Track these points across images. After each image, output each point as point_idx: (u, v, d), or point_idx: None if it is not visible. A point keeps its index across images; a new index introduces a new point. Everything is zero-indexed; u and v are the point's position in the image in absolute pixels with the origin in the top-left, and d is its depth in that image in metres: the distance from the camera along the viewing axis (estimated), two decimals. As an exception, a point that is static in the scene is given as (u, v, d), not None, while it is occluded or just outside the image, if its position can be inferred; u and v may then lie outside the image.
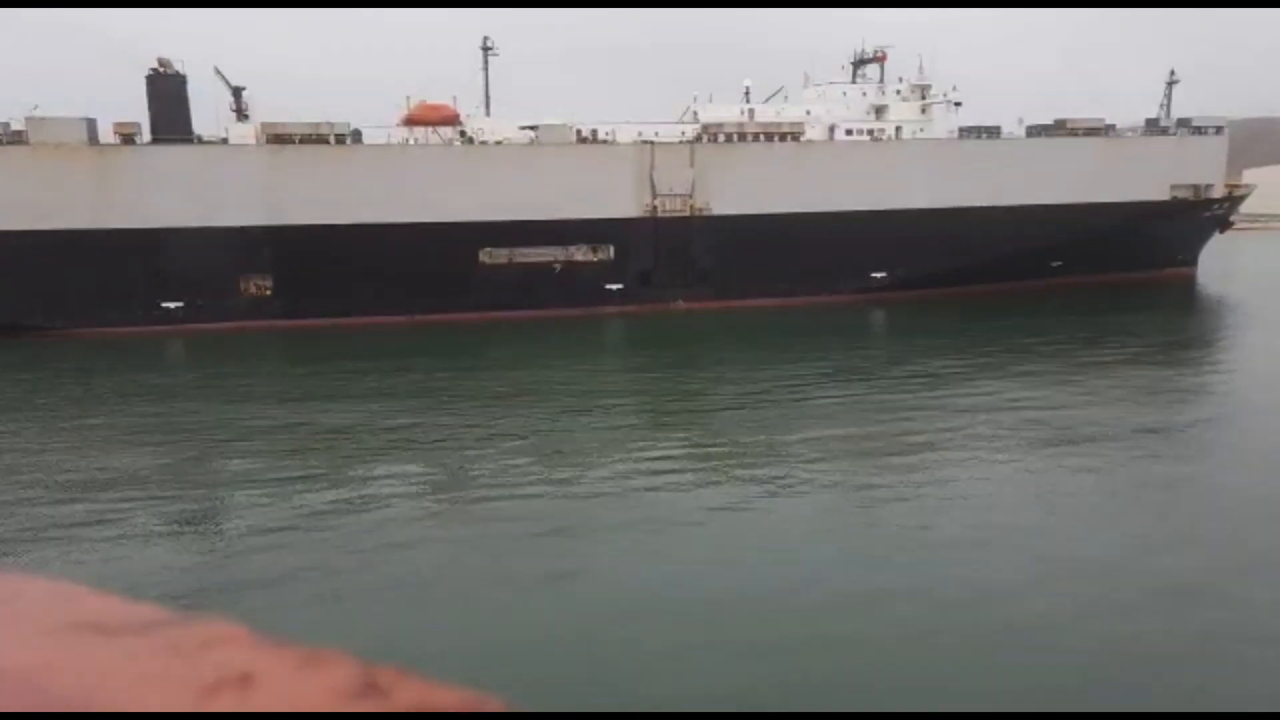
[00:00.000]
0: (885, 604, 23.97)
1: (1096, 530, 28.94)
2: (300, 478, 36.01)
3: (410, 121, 73.80)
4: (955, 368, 54.03)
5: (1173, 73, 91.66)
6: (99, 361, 58.96)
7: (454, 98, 75.63)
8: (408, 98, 74.78)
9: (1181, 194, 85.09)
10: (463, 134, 74.58)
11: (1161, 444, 38.50)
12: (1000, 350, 58.70)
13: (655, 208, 74.63)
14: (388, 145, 72.18)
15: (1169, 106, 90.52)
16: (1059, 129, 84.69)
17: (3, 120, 66.84)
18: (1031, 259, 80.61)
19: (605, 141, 75.91)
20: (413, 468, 37.86)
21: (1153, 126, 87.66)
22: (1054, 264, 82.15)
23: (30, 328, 64.20)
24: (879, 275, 78.06)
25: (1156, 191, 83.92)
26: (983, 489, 32.80)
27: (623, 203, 73.98)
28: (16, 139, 66.03)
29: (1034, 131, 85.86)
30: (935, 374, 52.44)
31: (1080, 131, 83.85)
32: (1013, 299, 76.57)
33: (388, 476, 36.40)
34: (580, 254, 74.15)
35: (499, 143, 74.27)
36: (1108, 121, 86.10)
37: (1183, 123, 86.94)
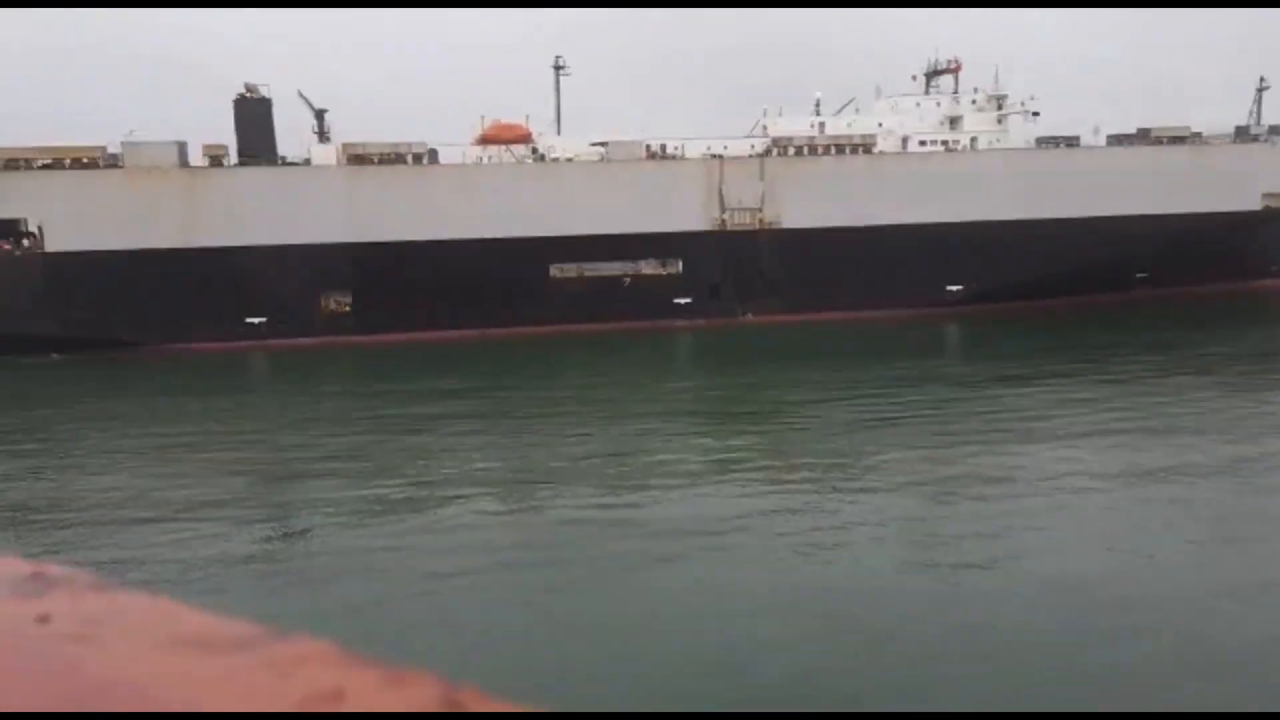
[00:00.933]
0: (957, 642, 23.35)
1: (1185, 573, 27.75)
2: (376, 493, 36.83)
3: (485, 140, 75.24)
4: (1035, 387, 52.51)
5: (1262, 79, 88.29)
6: (188, 377, 61.25)
7: (526, 116, 76.97)
8: (482, 117, 76.37)
9: (1275, 203, 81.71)
10: (535, 152, 75.71)
11: (1259, 477, 36.66)
12: (1083, 368, 56.77)
13: (724, 221, 74.64)
14: (463, 164, 73.65)
15: (1259, 113, 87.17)
16: (1142, 138, 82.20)
17: (100, 144, 70.03)
18: (1115, 271, 78.28)
19: (674, 156, 76.25)
20: (488, 487, 38.33)
21: (1243, 134, 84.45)
22: (1139, 276, 79.62)
23: (124, 343, 67.02)
24: (954, 288, 76.66)
25: (1248, 200, 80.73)
26: (1063, 523, 31.48)
27: (691, 217, 74.17)
28: (113, 163, 69.22)
29: (1115, 140, 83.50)
30: (1013, 393, 51.08)
31: (1165, 140, 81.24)
32: (1095, 312, 74.39)
33: (465, 495, 36.92)
34: (649, 268, 74.52)
35: (570, 160, 75.17)
36: (1194, 129, 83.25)
37: (1275, 130, 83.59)
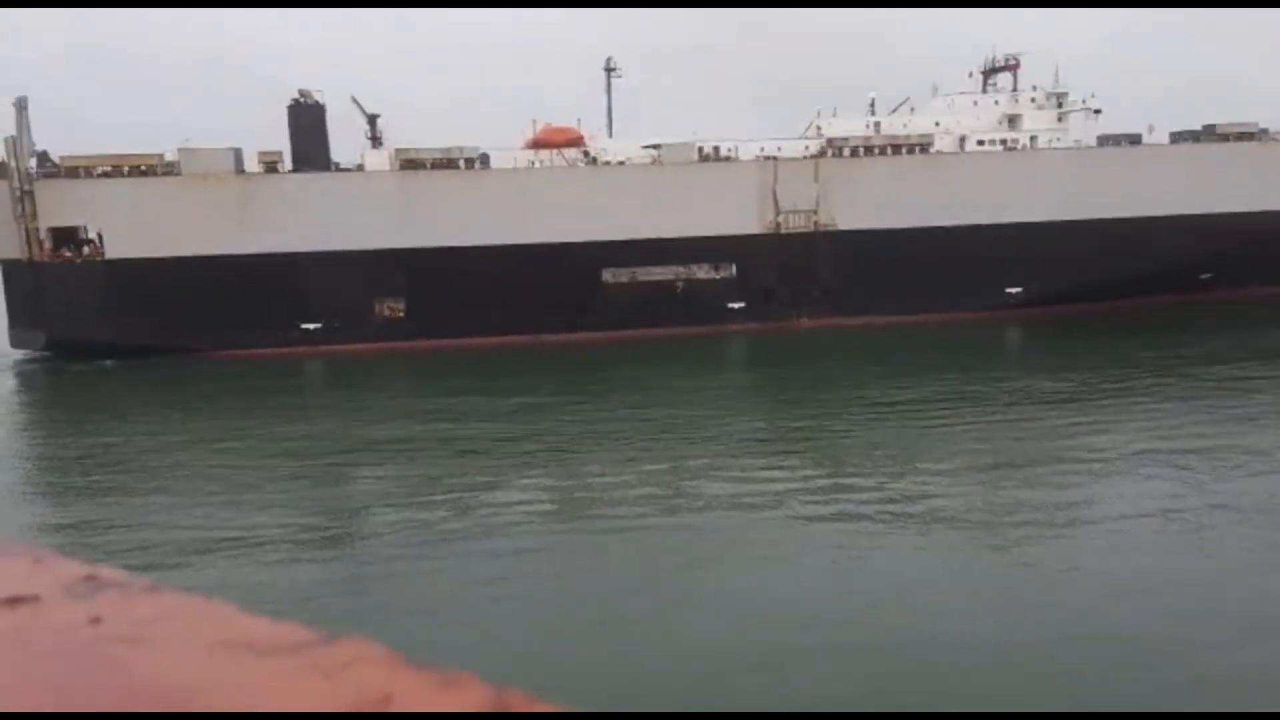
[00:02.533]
0: (1019, 657, 22.39)
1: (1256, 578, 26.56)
2: (429, 501, 36.49)
3: (536, 144, 74.80)
4: (1097, 394, 51.01)
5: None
6: (243, 382, 61.42)
7: (578, 120, 76.41)
8: (534, 121, 75.95)
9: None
10: (587, 155, 75.16)
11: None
12: (1147, 374, 55.01)
13: (778, 224, 73.62)
14: (514, 169, 73.27)
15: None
16: (1208, 134, 79.99)
17: (158, 151, 70.51)
18: (1178, 272, 76.19)
19: (728, 159, 75.34)
20: (539, 491, 38.08)
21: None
22: (1202, 277, 77.46)
23: (181, 349, 67.36)
24: (1014, 291, 75.03)
25: (1319, 197, 78.22)
26: (1127, 533, 30.24)
27: (745, 220, 73.22)
28: (170, 170, 69.65)
29: (1179, 137, 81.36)
30: (1075, 400, 49.69)
31: (1231, 136, 78.96)
32: (1158, 315, 72.41)
33: (514, 499, 36.62)
34: (702, 272, 73.73)
35: (622, 163, 74.52)
36: (1261, 125, 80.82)
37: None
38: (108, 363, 65.05)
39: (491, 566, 29.37)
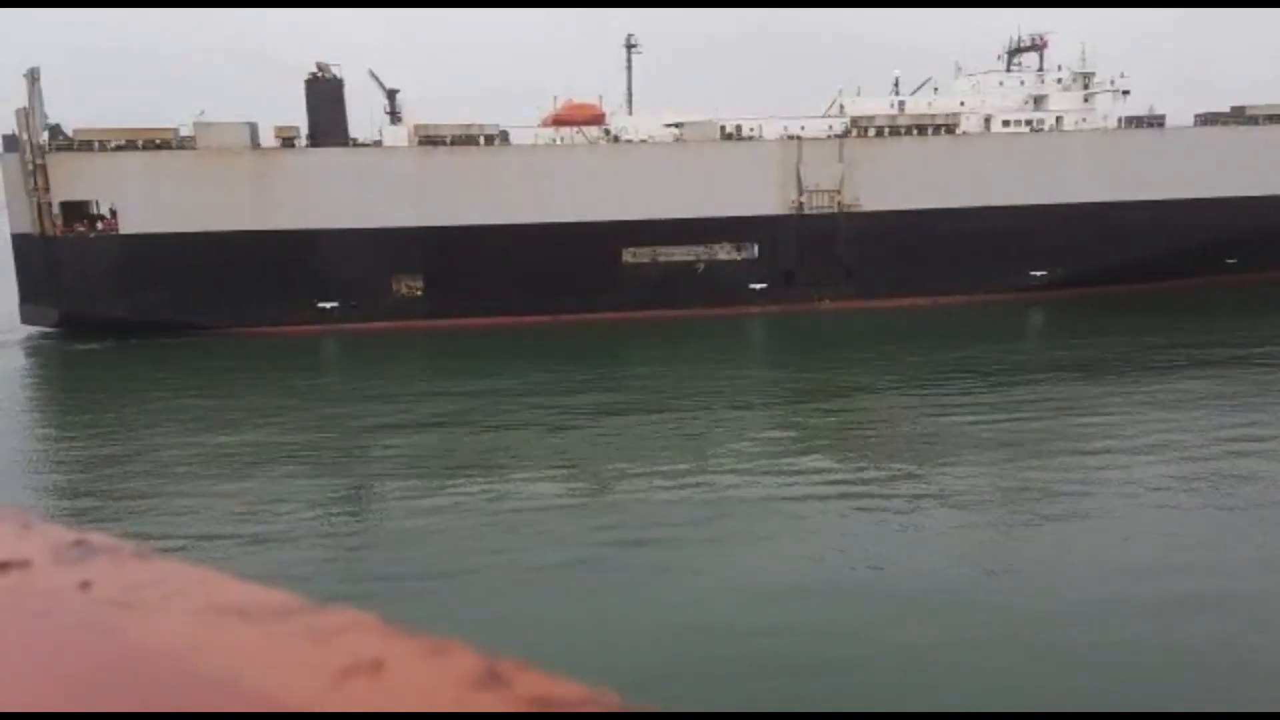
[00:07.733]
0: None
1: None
2: (437, 478, 35.98)
3: (557, 121, 73.63)
4: (1122, 377, 50.33)
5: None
6: (256, 359, 60.46)
7: (600, 97, 75.19)
8: (555, 98, 74.77)
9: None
10: (607, 133, 74.00)
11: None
12: (1173, 358, 54.14)
13: (801, 204, 72.57)
14: (534, 145, 72.09)
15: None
16: (1235, 116, 78.89)
17: (172, 125, 69.25)
18: (1204, 256, 75.30)
19: (750, 137, 74.20)
20: (546, 469, 37.38)
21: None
22: (1228, 261, 76.56)
23: (197, 327, 66.35)
24: (1039, 273, 74.12)
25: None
26: (1153, 525, 29.45)
27: (768, 200, 72.18)
28: (184, 144, 68.41)
29: (1205, 120, 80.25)
30: (1100, 384, 49.05)
31: (1261, 119, 77.86)
32: (1183, 298, 71.60)
33: (526, 478, 36.02)
34: (723, 252, 72.77)
35: (644, 141, 73.37)
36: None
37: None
38: (94, 345, 63.38)
39: (499, 543, 28.87)
